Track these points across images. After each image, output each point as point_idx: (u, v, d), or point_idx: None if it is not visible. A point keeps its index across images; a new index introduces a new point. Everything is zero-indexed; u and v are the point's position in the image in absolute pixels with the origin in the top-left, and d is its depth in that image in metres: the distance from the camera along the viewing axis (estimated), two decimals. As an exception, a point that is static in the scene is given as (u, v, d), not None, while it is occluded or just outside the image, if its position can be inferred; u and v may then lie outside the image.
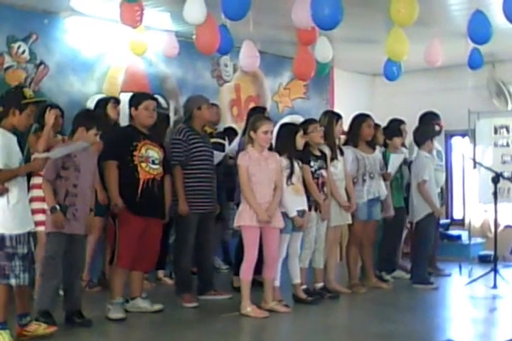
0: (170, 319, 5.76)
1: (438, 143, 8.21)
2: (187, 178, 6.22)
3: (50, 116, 5.76)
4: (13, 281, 4.67)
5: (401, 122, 7.85)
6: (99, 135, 5.43)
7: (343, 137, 7.27)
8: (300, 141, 6.12)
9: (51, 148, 5.40)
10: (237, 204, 6.76)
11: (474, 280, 7.46)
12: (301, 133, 6.14)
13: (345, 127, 7.27)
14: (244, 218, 5.81)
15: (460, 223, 10.20)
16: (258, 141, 5.83)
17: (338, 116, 6.91)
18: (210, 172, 6.37)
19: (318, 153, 6.47)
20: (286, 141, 6.07)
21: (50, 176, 5.17)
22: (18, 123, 4.77)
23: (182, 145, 6.22)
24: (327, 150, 6.61)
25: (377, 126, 7.41)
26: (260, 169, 5.83)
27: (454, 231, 9.84)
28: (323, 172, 6.45)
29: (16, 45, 7.09)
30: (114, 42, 7.83)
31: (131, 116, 5.94)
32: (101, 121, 5.56)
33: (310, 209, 6.27)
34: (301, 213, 6.08)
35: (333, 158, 6.67)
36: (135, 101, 5.92)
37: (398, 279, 7.65)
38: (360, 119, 7.10)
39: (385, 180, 7.24)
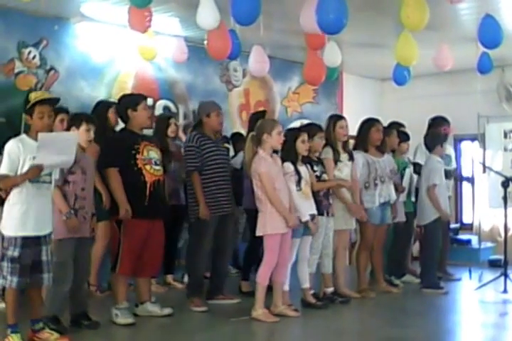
0: (180, 323, 5.76)
1: (449, 147, 8.20)
2: (204, 183, 6.24)
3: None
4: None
5: (400, 125, 7.81)
6: (92, 130, 5.36)
7: (351, 141, 7.26)
8: (301, 146, 6.08)
9: None
10: (246, 210, 6.79)
11: (484, 284, 7.42)
12: (302, 138, 6.10)
13: (354, 132, 7.25)
14: (273, 227, 5.77)
15: (470, 227, 10.16)
16: (273, 142, 5.83)
17: (339, 118, 6.88)
18: (226, 175, 6.39)
19: (315, 159, 6.47)
20: (288, 146, 6.04)
21: (58, 182, 5.13)
22: (36, 127, 4.76)
23: (196, 151, 6.24)
24: (330, 154, 6.60)
25: (389, 129, 7.40)
26: (278, 174, 5.84)
27: (463, 236, 9.80)
28: (326, 176, 6.45)
29: (26, 51, 7.14)
30: (123, 48, 7.87)
31: (127, 118, 5.78)
32: (87, 117, 5.49)
33: (322, 213, 6.28)
34: (312, 217, 6.07)
35: (337, 160, 6.65)
36: (133, 102, 5.78)
37: (408, 284, 7.63)
38: (368, 124, 7.07)
39: (397, 191, 7.23)
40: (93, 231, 5.47)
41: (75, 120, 5.41)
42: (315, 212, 6.13)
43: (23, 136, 4.77)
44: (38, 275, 4.77)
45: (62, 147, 4.71)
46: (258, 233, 5.86)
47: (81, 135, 5.31)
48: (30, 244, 4.71)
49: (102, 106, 6.82)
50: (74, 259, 5.25)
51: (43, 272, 4.79)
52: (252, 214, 6.21)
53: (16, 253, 4.66)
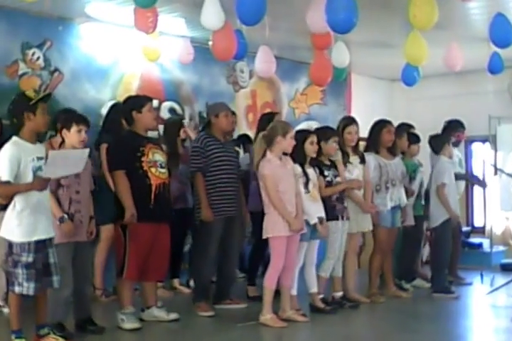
0: (186, 328, 5.71)
1: (459, 151, 8.11)
2: (209, 184, 6.19)
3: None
4: (16, 289, 4.65)
5: (410, 127, 7.71)
6: (84, 130, 5.26)
7: (362, 143, 7.16)
8: (310, 148, 6.01)
9: None
10: (250, 212, 6.69)
11: (496, 289, 7.36)
12: (311, 139, 6.02)
13: (364, 133, 7.16)
14: (276, 229, 5.70)
15: (481, 231, 10.08)
16: (285, 145, 5.76)
17: (349, 122, 6.78)
18: (232, 177, 6.32)
19: (327, 162, 6.39)
20: (296, 148, 5.93)
21: (52, 186, 5.05)
22: (37, 125, 4.72)
23: (200, 152, 6.20)
24: (339, 156, 6.51)
25: (399, 131, 7.30)
26: (284, 176, 5.76)
27: (475, 239, 9.73)
28: (339, 179, 6.37)
29: (30, 52, 7.08)
30: (128, 49, 7.81)
31: (131, 120, 5.75)
32: (78, 117, 5.38)
33: (337, 218, 6.24)
34: (320, 220, 5.99)
35: (346, 162, 6.55)
36: (137, 103, 5.75)
37: (418, 288, 7.56)
38: (380, 125, 7.00)
39: (406, 194, 7.14)
40: (91, 235, 5.39)
41: (65, 121, 5.26)
42: (323, 215, 6.04)
43: (16, 138, 4.70)
44: (48, 278, 4.75)
45: (71, 163, 4.82)
46: (263, 235, 5.79)
47: (72, 136, 5.23)
48: (41, 247, 4.69)
49: (116, 109, 6.70)
50: (74, 263, 5.18)
51: (52, 275, 4.77)
52: (257, 217, 6.14)
53: (31, 259, 4.64)
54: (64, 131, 5.25)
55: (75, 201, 5.20)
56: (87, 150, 5.02)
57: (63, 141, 5.31)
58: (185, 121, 7.28)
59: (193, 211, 6.38)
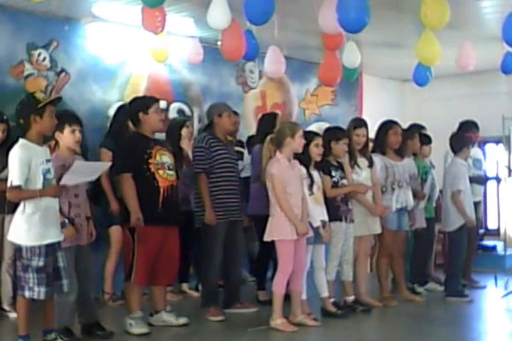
0: (195, 333, 5.64)
1: (479, 151, 8.03)
2: (213, 186, 6.10)
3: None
4: (27, 293, 4.60)
5: (421, 127, 7.64)
6: (78, 130, 5.16)
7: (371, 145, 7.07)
8: (314, 150, 5.93)
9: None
10: (252, 216, 6.60)
11: (510, 292, 7.27)
12: (316, 141, 5.94)
13: (373, 134, 7.08)
14: (282, 232, 5.62)
15: (495, 233, 10.00)
16: (295, 146, 5.69)
17: (358, 124, 6.70)
18: (235, 179, 6.24)
19: (335, 163, 6.32)
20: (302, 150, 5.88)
21: None
22: (44, 128, 4.67)
23: (205, 152, 6.11)
24: (346, 157, 6.43)
25: (412, 132, 7.21)
26: (291, 178, 5.69)
27: (488, 242, 9.61)
28: (345, 181, 6.30)
29: (36, 53, 7.01)
30: (136, 49, 7.76)
31: (138, 122, 5.67)
32: (69, 117, 5.26)
33: (340, 219, 6.16)
34: (323, 224, 5.92)
35: (353, 165, 6.47)
36: (143, 105, 5.66)
37: (431, 292, 7.46)
38: (386, 126, 6.93)
39: (417, 198, 7.03)
40: (91, 236, 5.31)
41: (56, 124, 5.07)
42: (326, 218, 5.98)
43: (24, 141, 4.64)
44: (59, 282, 4.71)
45: (90, 172, 4.94)
46: (266, 238, 5.72)
47: (66, 137, 5.13)
48: (51, 251, 4.65)
49: (123, 110, 6.60)
50: (76, 267, 5.11)
51: (62, 278, 4.73)
52: (259, 220, 6.08)
53: (42, 263, 4.59)
54: (57, 133, 5.12)
55: (74, 205, 5.12)
56: (108, 164, 5.15)
57: (56, 143, 5.21)
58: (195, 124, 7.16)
59: (193, 213, 6.29)
